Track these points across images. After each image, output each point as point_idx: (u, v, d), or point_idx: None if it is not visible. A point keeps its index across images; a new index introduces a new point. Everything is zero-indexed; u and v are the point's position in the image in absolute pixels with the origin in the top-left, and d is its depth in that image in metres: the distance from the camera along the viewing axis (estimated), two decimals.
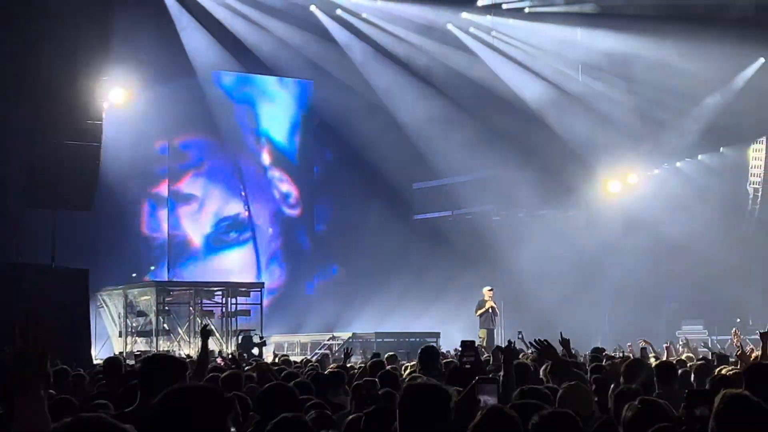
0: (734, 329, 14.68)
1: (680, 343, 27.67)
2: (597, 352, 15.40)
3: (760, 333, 9.95)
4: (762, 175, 31.60)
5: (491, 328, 25.39)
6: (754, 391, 5.26)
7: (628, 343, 16.25)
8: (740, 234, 31.70)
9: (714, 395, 4.73)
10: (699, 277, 30.68)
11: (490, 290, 25.60)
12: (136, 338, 25.59)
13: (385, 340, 25.78)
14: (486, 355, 14.61)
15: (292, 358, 18.00)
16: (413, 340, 25.16)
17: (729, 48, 27.69)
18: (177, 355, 22.72)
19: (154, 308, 25.26)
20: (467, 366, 7.05)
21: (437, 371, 9.37)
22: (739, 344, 13.73)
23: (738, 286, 30.15)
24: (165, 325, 25.45)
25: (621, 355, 16.38)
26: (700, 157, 32.75)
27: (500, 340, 24.72)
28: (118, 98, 25.96)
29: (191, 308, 25.95)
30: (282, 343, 26.98)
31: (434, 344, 24.72)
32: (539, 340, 8.00)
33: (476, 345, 9.66)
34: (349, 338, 26.50)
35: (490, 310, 25.35)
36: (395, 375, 9.41)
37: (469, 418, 4.71)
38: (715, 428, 4.37)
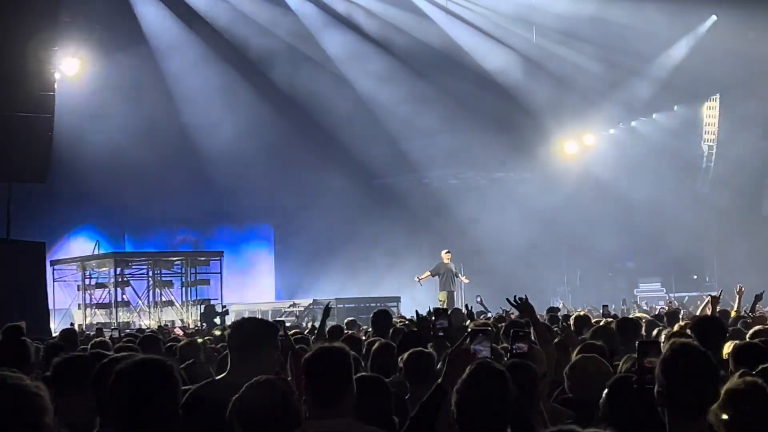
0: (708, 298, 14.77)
1: (636, 301, 28.03)
2: (553, 311, 15.57)
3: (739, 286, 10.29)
4: (716, 132, 31.87)
5: (452, 290, 25.52)
6: (702, 341, 5.40)
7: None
8: (695, 192, 32.01)
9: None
10: (656, 235, 30.99)
11: (447, 253, 25.71)
12: (95, 310, 25.48)
13: (345, 305, 25.84)
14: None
15: None
16: (374, 305, 25.21)
17: (681, 6, 27.81)
18: (142, 326, 22.72)
19: (113, 280, 25.15)
20: (441, 333, 7.07)
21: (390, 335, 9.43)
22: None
23: (694, 243, 30.50)
24: (124, 296, 25.36)
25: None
26: (654, 115, 32.96)
27: (460, 303, 24.85)
28: (70, 69, 25.71)
29: (150, 278, 25.86)
30: (243, 312, 26.96)
31: (394, 308, 25.06)
32: (520, 297, 8.06)
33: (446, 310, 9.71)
34: (310, 305, 26.55)
35: (449, 272, 25.46)
36: (358, 339, 9.52)
37: (461, 369, 4.76)
38: (660, 374, 4.46)
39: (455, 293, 25.95)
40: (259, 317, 4.62)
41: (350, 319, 15.59)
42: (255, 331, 5.77)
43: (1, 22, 20.05)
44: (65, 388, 5.22)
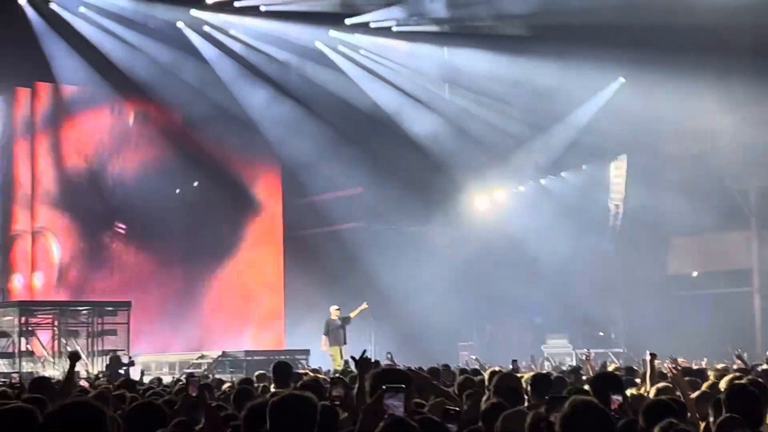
0: (586, 356, 15.35)
1: (544, 356, 28.29)
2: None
3: (649, 353, 10.44)
4: (623, 191, 32.49)
5: (341, 345, 25.39)
6: (599, 397, 5.53)
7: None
8: (602, 249, 32.52)
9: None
10: (563, 292, 31.34)
11: (337, 310, 25.78)
12: None
13: (255, 358, 25.60)
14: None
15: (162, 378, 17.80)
16: (284, 358, 25.05)
17: (590, 67, 28.44)
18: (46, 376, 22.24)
19: (17, 329, 24.65)
20: (336, 403, 6.95)
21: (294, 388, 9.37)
22: (590, 366, 14.36)
23: (600, 300, 30.95)
24: (28, 347, 24.85)
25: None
26: (563, 174, 33.49)
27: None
28: None
29: (55, 328, 25.39)
30: (150, 363, 26.58)
31: (303, 361, 24.95)
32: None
33: (343, 378, 9.60)
34: (219, 357, 26.28)
35: (339, 323, 25.44)
36: (254, 393, 9.46)
37: (374, 425, 4.79)
38: (559, 429, 4.57)
39: (346, 347, 25.69)
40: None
41: (260, 372, 15.50)
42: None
43: None
44: None
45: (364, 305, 26.05)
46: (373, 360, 8.37)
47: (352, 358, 7.64)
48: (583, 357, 15.23)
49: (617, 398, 6.38)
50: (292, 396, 5.11)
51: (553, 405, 4.97)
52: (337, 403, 6.86)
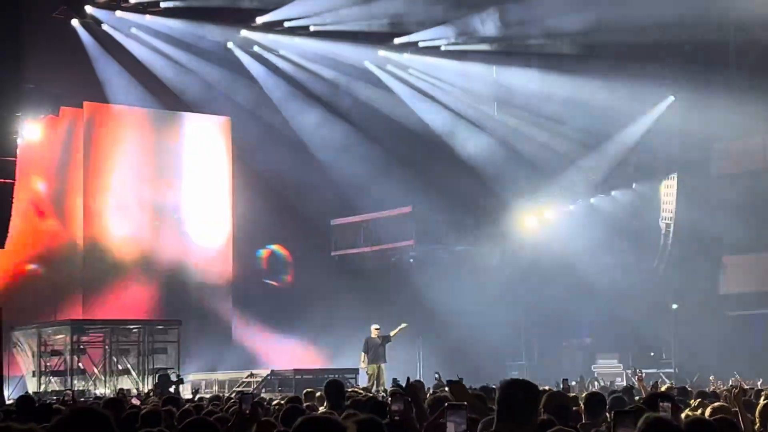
0: (638, 376, 15.19)
1: (594, 376, 28.09)
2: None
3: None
4: (673, 210, 32.19)
5: (380, 364, 25.33)
6: None
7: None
8: (653, 269, 32.22)
9: (636, 416, 4.98)
10: (613, 311, 31.07)
11: (377, 329, 25.74)
12: (51, 378, 25.15)
13: (304, 376, 25.65)
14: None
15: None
16: (332, 377, 25.04)
17: (640, 86, 28.29)
18: (97, 394, 22.45)
19: (69, 347, 24.89)
20: (396, 418, 6.92)
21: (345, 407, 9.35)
22: (642, 387, 14.22)
23: (651, 320, 30.64)
24: (80, 365, 25.09)
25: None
26: (613, 193, 33.27)
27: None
28: (33, 134, 25.71)
29: (106, 347, 25.60)
30: (199, 382, 26.71)
31: (352, 380, 24.95)
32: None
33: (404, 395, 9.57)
34: (268, 375, 26.35)
35: (379, 342, 25.40)
36: (303, 410, 9.42)
37: None
38: None
39: (385, 365, 25.66)
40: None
41: (308, 390, 15.51)
42: None
43: None
44: None
45: (404, 325, 25.98)
46: (420, 380, 8.32)
47: (398, 384, 7.68)
48: (635, 378, 15.04)
49: (666, 404, 6.39)
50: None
51: (620, 420, 4.93)
52: (397, 418, 6.82)
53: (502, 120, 31.35)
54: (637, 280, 30.78)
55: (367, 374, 24.98)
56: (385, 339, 25.65)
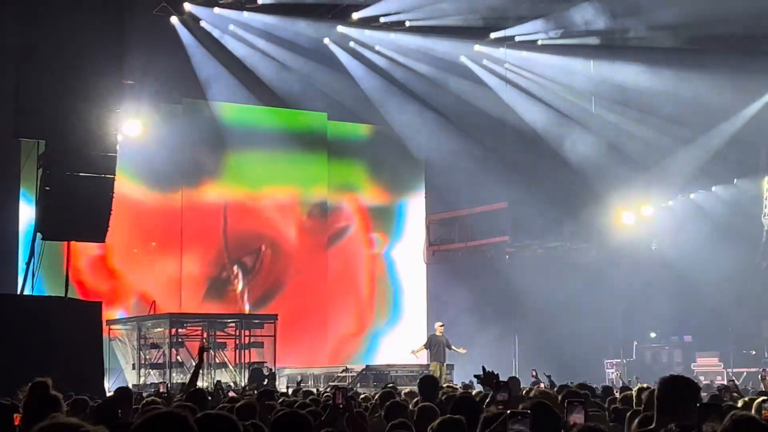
0: (762, 375, 14.76)
1: (693, 375, 27.60)
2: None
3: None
4: None
5: (442, 361, 25.22)
6: None
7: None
8: (755, 266, 31.57)
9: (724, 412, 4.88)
10: (714, 309, 30.56)
11: (441, 326, 25.60)
12: (150, 370, 25.57)
13: (398, 372, 25.73)
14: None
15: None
16: (427, 372, 25.02)
17: (740, 78, 27.73)
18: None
19: (167, 340, 25.27)
20: (500, 407, 6.87)
21: (438, 401, 9.29)
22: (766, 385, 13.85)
23: (752, 318, 30.07)
24: (179, 357, 25.46)
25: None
26: (714, 188, 32.69)
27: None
28: (133, 130, 26.13)
29: (204, 340, 25.90)
30: (295, 376, 26.90)
31: (448, 375, 24.90)
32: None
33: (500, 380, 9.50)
34: (363, 370, 26.45)
35: (444, 341, 25.29)
36: (404, 405, 9.38)
37: None
38: None
39: (444, 364, 25.56)
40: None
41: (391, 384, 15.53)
42: None
43: (67, 87, 20.51)
44: None
45: (463, 350, 25.75)
46: (496, 373, 8.19)
47: (476, 376, 7.62)
48: (759, 377, 14.50)
49: None
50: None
51: (705, 414, 4.80)
52: (501, 407, 6.77)
53: (601, 115, 30.97)
54: (739, 278, 30.19)
55: (430, 370, 24.84)
56: (448, 341, 25.50)
